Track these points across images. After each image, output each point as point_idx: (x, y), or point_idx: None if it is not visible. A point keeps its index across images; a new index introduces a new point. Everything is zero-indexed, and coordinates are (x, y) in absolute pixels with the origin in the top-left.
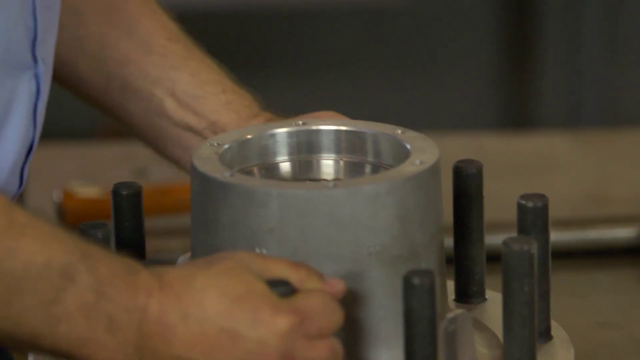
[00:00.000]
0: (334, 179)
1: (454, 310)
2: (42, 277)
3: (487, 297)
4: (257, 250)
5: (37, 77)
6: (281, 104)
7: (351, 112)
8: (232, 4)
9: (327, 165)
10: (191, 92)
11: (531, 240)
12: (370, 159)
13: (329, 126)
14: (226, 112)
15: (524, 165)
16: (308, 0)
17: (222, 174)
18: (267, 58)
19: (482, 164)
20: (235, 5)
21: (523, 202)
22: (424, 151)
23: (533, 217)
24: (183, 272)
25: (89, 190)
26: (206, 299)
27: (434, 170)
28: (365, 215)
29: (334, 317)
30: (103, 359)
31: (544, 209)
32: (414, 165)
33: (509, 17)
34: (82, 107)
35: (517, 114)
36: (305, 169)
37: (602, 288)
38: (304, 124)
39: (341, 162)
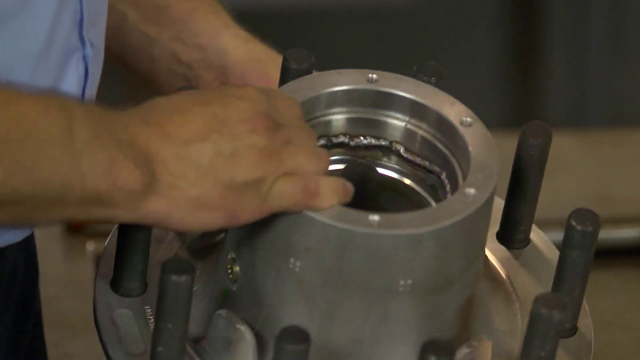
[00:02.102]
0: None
1: (475, 338)
2: (51, 123)
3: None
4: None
5: (85, 59)
6: None
7: None
8: (232, 4)
9: (391, 127)
10: (154, 2)
11: (562, 304)
12: (430, 134)
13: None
14: (191, 20)
15: None
16: (310, 0)
17: None
18: None
19: (550, 132)
20: (235, 5)
21: (574, 223)
22: (482, 172)
23: (580, 239)
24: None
25: None
26: (174, 99)
27: (485, 205)
28: (404, 255)
29: (293, 102)
30: (127, 181)
31: (594, 234)
32: (466, 199)
33: (513, 17)
34: None
35: (522, 113)
36: (365, 126)
37: (608, 288)
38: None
39: (408, 126)
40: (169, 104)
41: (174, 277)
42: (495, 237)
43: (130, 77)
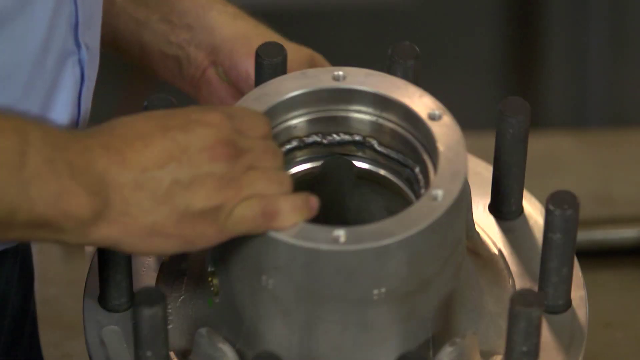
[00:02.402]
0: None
1: (460, 334)
2: (4, 146)
3: (522, 212)
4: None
5: (81, 62)
6: None
7: None
8: (232, 4)
9: (357, 121)
10: None
11: (539, 299)
12: (401, 128)
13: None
14: (178, 0)
15: (529, 166)
16: (310, 0)
17: None
18: None
19: (529, 107)
20: (235, 5)
21: (552, 207)
22: (449, 170)
23: (561, 222)
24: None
25: None
26: (137, 121)
27: (455, 205)
28: (374, 267)
29: (260, 120)
30: (77, 209)
31: (574, 216)
32: (433, 203)
33: (513, 17)
34: None
35: None
36: (333, 124)
37: (607, 288)
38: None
39: (377, 120)
40: (131, 127)
41: (146, 310)
42: (487, 209)
43: (130, 78)
